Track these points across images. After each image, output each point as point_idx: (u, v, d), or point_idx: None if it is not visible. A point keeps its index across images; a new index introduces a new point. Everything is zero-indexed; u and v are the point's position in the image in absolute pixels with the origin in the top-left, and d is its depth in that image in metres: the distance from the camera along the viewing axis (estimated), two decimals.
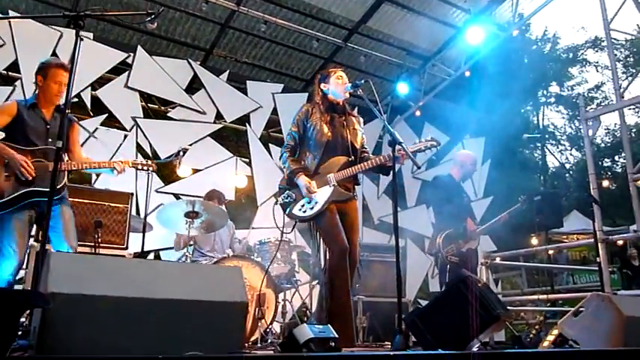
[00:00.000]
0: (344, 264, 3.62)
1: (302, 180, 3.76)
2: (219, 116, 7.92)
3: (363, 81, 3.85)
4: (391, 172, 3.62)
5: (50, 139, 3.60)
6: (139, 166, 3.91)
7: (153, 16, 3.21)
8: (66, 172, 3.60)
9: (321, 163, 3.83)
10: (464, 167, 5.46)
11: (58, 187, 3.44)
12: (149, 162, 3.98)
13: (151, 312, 2.06)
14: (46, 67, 3.64)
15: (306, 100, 4.38)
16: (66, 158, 3.75)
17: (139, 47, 7.37)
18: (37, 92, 3.67)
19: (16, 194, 3.35)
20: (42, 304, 1.82)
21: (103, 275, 2.06)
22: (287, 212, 3.77)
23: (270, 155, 8.20)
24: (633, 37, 11.66)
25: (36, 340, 1.93)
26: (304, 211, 3.72)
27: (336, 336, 2.65)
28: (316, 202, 3.72)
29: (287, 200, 3.78)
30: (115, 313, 2.00)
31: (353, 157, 3.90)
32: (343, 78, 3.99)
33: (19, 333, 2.11)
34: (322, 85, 4.00)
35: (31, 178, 3.39)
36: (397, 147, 3.43)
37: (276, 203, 3.87)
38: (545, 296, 6.62)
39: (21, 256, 3.39)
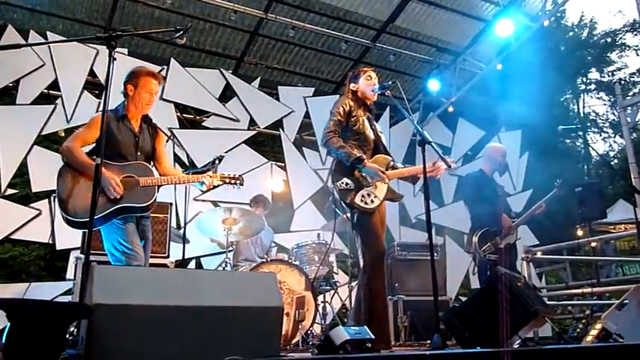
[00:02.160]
0: (382, 267, 3.61)
1: (373, 167, 3.64)
2: (252, 123, 8.05)
3: (390, 82, 3.86)
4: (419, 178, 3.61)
5: (139, 153, 3.57)
6: (227, 180, 3.78)
7: (182, 32, 3.28)
8: (156, 188, 3.48)
9: (370, 159, 3.78)
10: (493, 161, 5.42)
11: (148, 202, 3.41)
12: (237, 176, 3.84)
13: (191, 319, 2.14)
14: (138, 76, 3.58)
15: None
16: (155, 171, 3.69)
17: (172, 60, 7.57)
18: (126, 102, 3.60)
19: (105, 212, 3.29)
20: (87, 316, 1.91)
21: (144, 285, 2.16)
22: (348, 201, 3.59)
23: (305, 159, 8.28)
24: None
25: (83, 349, 2.03)
26: (365, 203, 3.59)
27: (372, 337, 2.68)
28: (375, 196, 3.63)
29: (347, 187, 3.61)
30: (156, 322, 2.08)
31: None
32: (372, 78, 3.94)
33: (69, 343, 2.21)
34: (352, 85, 3.96)
35: (118, 197, 3.31)
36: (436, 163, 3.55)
37: (334, 188, 3.67)
38: (589, 289, 6.46)
39: (142, 256, 3.39)
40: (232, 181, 3.79)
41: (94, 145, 3.53)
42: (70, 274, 6.11)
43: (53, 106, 6.76)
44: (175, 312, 2.12)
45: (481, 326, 3.01)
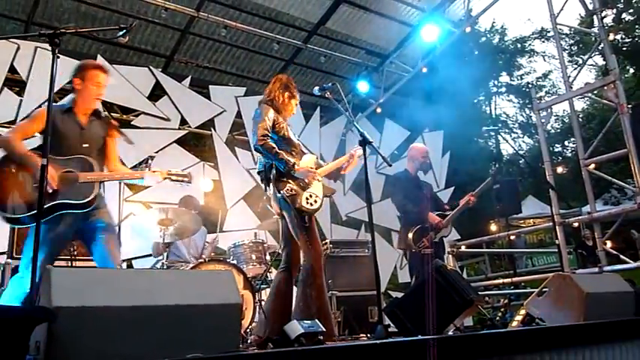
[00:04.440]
0: (321, 265, 3.79)
1: (303, 170, 3.81)
2: (183, 122, 7.93)
3: (330, 84, 3.99)
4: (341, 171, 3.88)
5: (85, 145, 3.46)
6: (174, 178, 3.71)
7: (125, 31, 3.25)
8: (98, 184, 3.39)
9: (299, 160, 3.92)
10: (415, 160, 5.64)
11: (88, 199, 3.29)
12: (185, 173, 3.78)
13: (152, 319, 2.14)
14: (85, 69, 3.57)
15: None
16: (105, 169, 3.61)
17: (99, 56, 7.27)
18: (74, 97, 3.56)
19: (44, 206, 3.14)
20: (50, 319, 1.89)
21: (104, 286, 2.14)
22: (297, 205, 3.73)
23: (237, 158, 8.27)
24: (574, 28, 12.26)
25: (43, 355, 1.99)
26: (311, 204, 3.75)
27: (324, 330, 2.80)
28: (317, 196, 3.79)
29: (293, 193, 3.75)
30: (118, 323, 2.08)
31: None
32: (297, 105, 4.28)
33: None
34: (286, 95, 4.14)
35: (50, 190, 3.18)
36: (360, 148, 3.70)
37: (281, 196, 3.79)
38: (509, 280, 6.92)
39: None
40: (179, 179, 3.73)
41: (40, 140, 3.36)
42: None
43: None
44: (137, 312, 2.12)
45: (421, 317, 3.19)
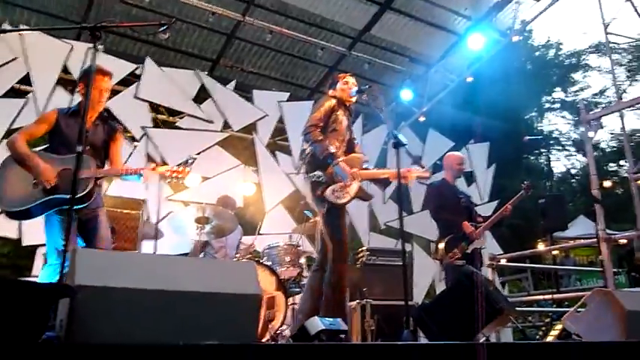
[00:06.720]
0: (344, 262, 3.79)
1: (345, 169, 3.73)
2: (226, 125, 8.05)
3: (367, 86, 3.99)
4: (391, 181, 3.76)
5: (89, 147, 3.52)
6: (168, 174, 3.66)
7: (165, 27, 3.34)
8: (93, 179, 3.47)
9: (345, 156, 3.91)
10: (452, 169, 5.53)
11: (81, 194, 3.33)
12: (180, 169, 3.68)
13: (172, 303, 2.17)
14: (87, 74, 3.43)
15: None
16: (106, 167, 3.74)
17: (148, 58, 7.52)
18: (80, 101, 3.70)
19: (36, 202, 3.36)
20: (70, 295, 1.93)
21: (126, 269, 2.18)
22: (319, 193, 3.72)
23: (277, 163, 8.33)
24: (634, 41, 11.87)
25: (64, 332, 2.04)
26: (337, 197, 3.69)
27: (346, 328, 2.76)
28: (347, 192, 3.72)
29: (319, 180, 3.73)
30: (138, 305, 2.11)
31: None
32: (350, 82, 4.12)
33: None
34: (331, 92, 4.11)
35: (49, 186, 3.37)
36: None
37: (306, 179, 3.81)
38: (549, 296, 6.67)
39: None
40: (174, 175, 3.67)
41: (47, 142, 3.66)
42: (35, 271, 6.01)
43: (24, 100, 6.65)
44: (157, 296, 2.14)
45: (449, 322, 3.11)
